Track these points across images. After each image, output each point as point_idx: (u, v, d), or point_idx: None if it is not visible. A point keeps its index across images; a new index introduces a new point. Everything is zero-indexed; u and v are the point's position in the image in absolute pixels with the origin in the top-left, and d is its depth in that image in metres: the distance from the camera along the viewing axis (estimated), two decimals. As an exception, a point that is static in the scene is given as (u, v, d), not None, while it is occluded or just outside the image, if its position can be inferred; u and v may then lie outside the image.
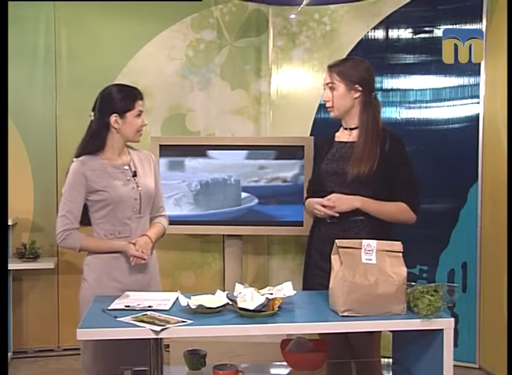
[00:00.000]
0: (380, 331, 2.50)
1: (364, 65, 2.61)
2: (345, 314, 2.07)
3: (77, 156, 2.50)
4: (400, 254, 2.16)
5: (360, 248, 2.14)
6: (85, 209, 2.51)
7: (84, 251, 2.51)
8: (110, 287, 2.46)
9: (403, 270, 2.12)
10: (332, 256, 2.20)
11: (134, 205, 2.51)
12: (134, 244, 2.45)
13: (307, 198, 2.74)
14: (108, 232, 2.49)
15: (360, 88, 2.56)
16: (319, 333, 2.44)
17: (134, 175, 2.54)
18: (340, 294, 2.08)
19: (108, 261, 2.48)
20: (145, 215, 2.57)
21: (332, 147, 2.65)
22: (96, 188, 2.46)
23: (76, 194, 2.46)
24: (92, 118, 2.51)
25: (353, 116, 2.60)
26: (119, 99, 2.47)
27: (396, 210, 2.53)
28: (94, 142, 2.50)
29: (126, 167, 2.54)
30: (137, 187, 2.52)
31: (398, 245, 2.18)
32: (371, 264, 2.11)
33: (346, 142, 2.61)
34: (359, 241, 2.18)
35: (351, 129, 2.61)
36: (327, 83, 2.60)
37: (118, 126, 2.47)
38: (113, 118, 2.46)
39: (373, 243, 2.15)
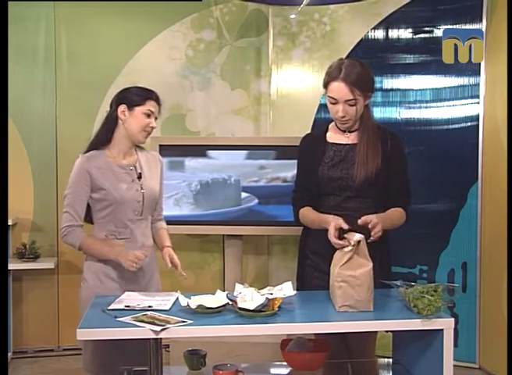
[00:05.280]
0: (376, 332, 2.50)
1: (368, 68, 2.50)
2: (341, 310, 2.11)
3: (86, 152, 2.50)
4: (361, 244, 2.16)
5: (355, 246, 2.16)
6: (89, 207, 2.50)
7: (83, 250, 2.50)
8: (110, 287, 2.46)
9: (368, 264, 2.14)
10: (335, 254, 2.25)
11: (136, 208, 2.50)
12: (172, 262, 2.51)
13: (301, 206, 2.56)
14: (109, 232, 2.48)
15: (370, 94, 2.49)
16: (315, 334, 2.43)
17: (139, 177, 2.52)
18: (337, 291, 2.12)
19: (108, 261, 2.46)
20: (146, 217, 2.57)
21: (327, 150, 2.53)
22: (99, 186, 2.44)
23: (79, 190, 2.44)
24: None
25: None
26: (133, 93, 2.50)
27: (398, 219, 2.50)
28: (102, 135, 2.51)
29: (132, 168, 2.53)
30: (141, 189, 2.51)
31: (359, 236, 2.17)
32: (358, 258, 2.15)
33: (345, 145, 2.52)
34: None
35: (350, 131, 2.53)
36: (348, 100, 2.40)
37: (124, 118, 2.47)
38: (121, 107, 2.47)
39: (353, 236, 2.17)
